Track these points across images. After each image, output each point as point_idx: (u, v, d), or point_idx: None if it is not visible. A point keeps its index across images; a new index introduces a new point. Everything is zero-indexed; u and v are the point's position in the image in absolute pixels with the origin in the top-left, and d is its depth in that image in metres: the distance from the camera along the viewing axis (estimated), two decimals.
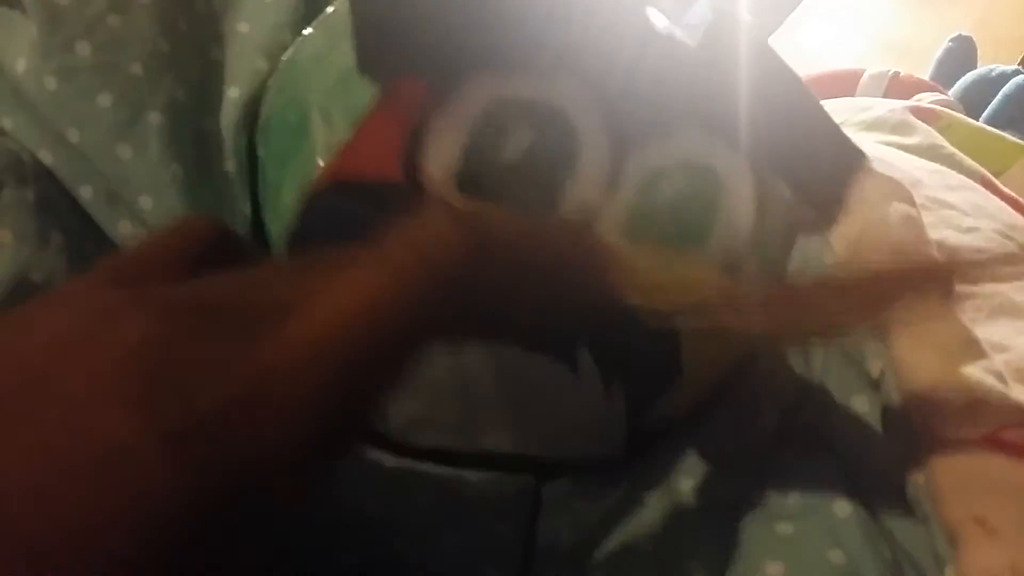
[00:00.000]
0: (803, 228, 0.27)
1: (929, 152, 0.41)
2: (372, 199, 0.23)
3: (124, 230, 0.26)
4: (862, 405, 0.23)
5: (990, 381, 0.20)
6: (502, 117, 0.23)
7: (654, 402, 0.25)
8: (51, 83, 0.26)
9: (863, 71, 0.77)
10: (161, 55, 0.27)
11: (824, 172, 0.26)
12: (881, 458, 0.22)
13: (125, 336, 0.11)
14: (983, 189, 0.37)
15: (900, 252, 0.25)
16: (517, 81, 0.23)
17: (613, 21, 0.23)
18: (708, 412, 0.26)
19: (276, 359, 0.12)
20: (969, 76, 0.82)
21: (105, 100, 0.26)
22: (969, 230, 0.31)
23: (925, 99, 0.65)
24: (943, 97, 0.70)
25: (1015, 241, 0.31)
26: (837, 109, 0.47)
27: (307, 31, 0.28)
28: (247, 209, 0.27)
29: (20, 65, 0.26)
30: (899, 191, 0.27)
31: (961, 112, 0.61)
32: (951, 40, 0.90)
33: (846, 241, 0.26)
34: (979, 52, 0.90)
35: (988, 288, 0.27)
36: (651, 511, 0.25)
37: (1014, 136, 0.59)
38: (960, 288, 0.25)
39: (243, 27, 0.30)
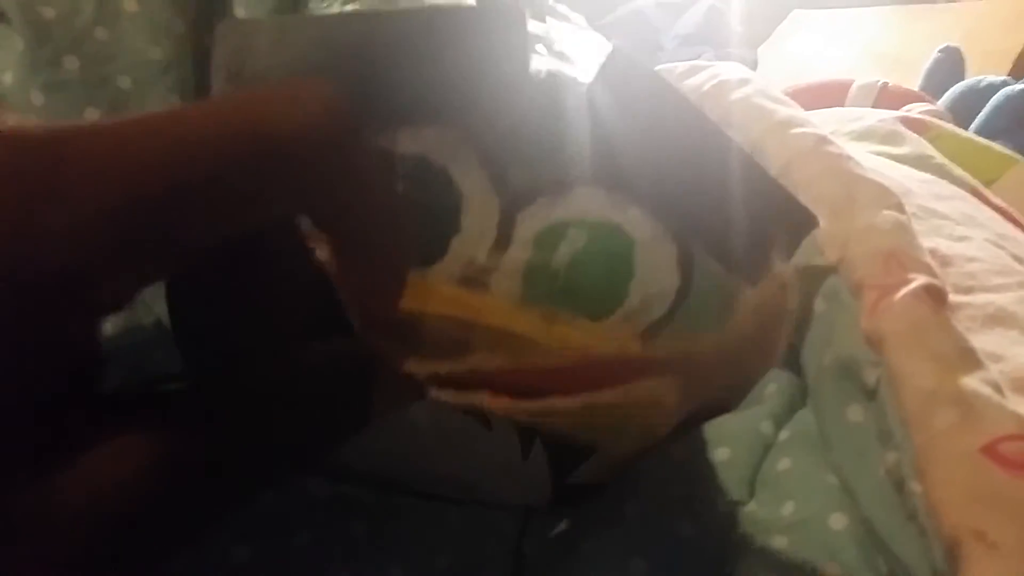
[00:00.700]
0: (747, 286, 0.24)
1: (919, 162, 0.41)
2: None
3: None
4: (857, 415, 0.23)
5: (987, 391, 0.20)
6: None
7: (578, 465, 0.24)
8: (38, 98, 0.26)
9: (853, 81, 0.78)
10: (151, 64, 0.27)
11: (749, 233, 0.23)
12: (877, 469, 0.22)
13: None
14: (973, 199, 0.38)
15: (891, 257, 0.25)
16: (391, 135, 0.21)
17: (493, 71, 0.21)
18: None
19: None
20: (958, 87, 0.83)
21: (92, 115, 0.26)
22: (961, 239, 0.31)
23: (915, 109, 0.65)
24: (932, 108, 0.71)
25: (1006, 250, 0.31)
26: (827, 119, 0.48)
27: None
28: None
29: (7, 79, 0.26)
30: (889, 198, 0.26)
31: (950, 122, 0.62)
32: (940, 51, 0.91)
33: (836, 245, 0.26)
34: (968, 63, 0.91)
35: (981, 298, 0.27)
36: (638, 513, 0.24)
37: (1003, 146, 0.60)
38: (954, 298, 0.25)
39: (240, 12, 0.30)
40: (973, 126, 0.75)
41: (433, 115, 0.21)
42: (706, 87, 0.36)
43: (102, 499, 0.12)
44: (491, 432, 0.23)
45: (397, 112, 0.21)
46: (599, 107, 0.22)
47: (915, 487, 0.20)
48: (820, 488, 0.23)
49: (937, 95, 0.82)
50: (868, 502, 0.22)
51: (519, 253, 0.22)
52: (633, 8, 1.21)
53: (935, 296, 0.23)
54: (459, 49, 0.21)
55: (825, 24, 1.22)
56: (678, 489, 0.25)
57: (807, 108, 0.34)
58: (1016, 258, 0.31)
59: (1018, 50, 0.96)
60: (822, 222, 0.26)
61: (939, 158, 0.42)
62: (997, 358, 0.23)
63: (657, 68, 0.40)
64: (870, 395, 0.23)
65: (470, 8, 0.23)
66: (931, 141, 0.45)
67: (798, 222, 0.24)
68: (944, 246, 0.29)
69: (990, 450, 0.19)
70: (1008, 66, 0.94)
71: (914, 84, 0.87)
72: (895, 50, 1.08)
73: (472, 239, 0.21)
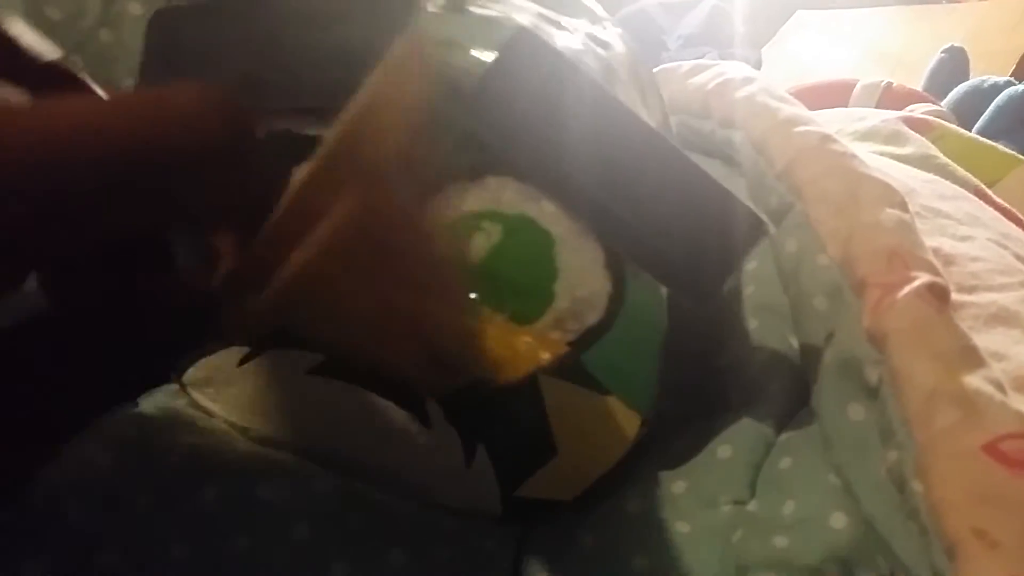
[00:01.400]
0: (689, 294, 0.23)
1: (922, 162, 0.41)
2: None
3: None
4: (858, 414, 0.23)
5: (989, 390, 0.20)
6: (284, 147, 0.21)
7: (524, 478, 0.24)
8: None
9: (856, 82, 0.78)
10: None
11: (683, 239, 0.21)
12: (878, 468, 0.22)
13: None
14: (976, 199, 0.37)
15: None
16: (298, 118, 0.21)
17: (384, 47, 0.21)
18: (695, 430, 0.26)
19: None
20: (962, 87, 0.82)
21: None
22: (964, 238, 0.31)
23: (918, 110, 0.65)
24: (936, 108, 0.71)
25: (1009, 250, 0.31)
26: (831, 119, 0.47)
27: None
28: None
29: None
30: (893, 196, 0.26)
31: (954, 123, 0.62)
32: (943, 51, 0.90)
33: (839, 243, 0.26)
34: (971, 63, 0.91)
35: (984, 297, 0.27)
36: (640, 511, 0.24)
37: (1006, 147, 0.60)
38: (957, 297, 0.25)
39: None
40: (976, 126, 0.75)
41: (336, 96, 0.21)
42: (710, 85, 0.36)
43: None
44: (430, 431, 0.22)
45: (301, 93, 0.21)
46: (502, 90, 0.21)
47: (916, 486, 0.20)
48: (821, 487, 0.23)
49: (941, 95, 0.82)
50: (869, 501, 0.22)
51: None
52: (637, 8, 1.21)
53: (938, 295, 0.23)
54: (358, 23, 0.20)
55: (829, 24, 1.21)
56: (679, 487, 0.25)
57: (811, 108, 0.34)
58: (1019, 258, 0.31)
59: (1022, 50, 0.95)
60: (826, 219, 0.26)
61: (942, 158, 0.42)
62: (1000, 357, 0.23)
63: (659, 68, 0.39)
64: (872, 393, 0.23)
65: None
66: (934, 141, 0.45)
67: (745, 227, 0.22)
68: (947, 245, 0.29)
69: (992, 448, 0.19)
70: (1011, 66, 0.94)
71: (917, 84, 0.87)
72: (899, 50, 1.07)
73: None
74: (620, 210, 0.21)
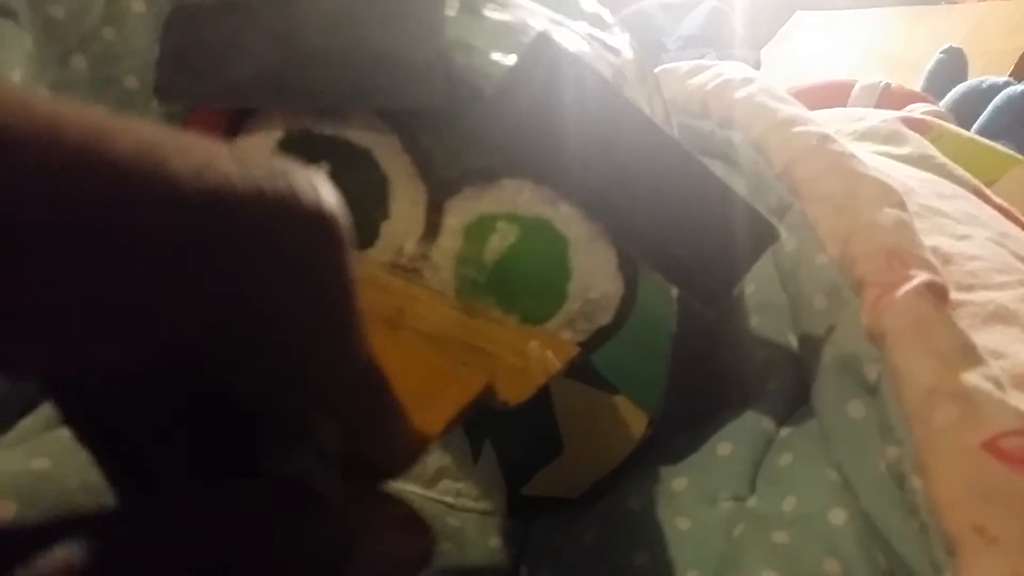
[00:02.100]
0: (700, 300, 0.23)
1: (921, 162, 0.41)
2: None
3: None
4: (858, 411, 0.23)
5: (988, 387, 0.20)
6: (302, 147, 0.21)
7: (530, 475, 0.24)
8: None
9: (855, 82, 0.78)
10: None
11: (695, 242, 0.21)
12: (877, 465, 0.22)
13: None
14: (975, 198, 0.38)
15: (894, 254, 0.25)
16: (317, 118, 0.21)
17: (416, 63, 0.21)
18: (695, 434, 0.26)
19: None
20: (960, 87, 0.83)
21: None
22: (962, 237, 0.31)
23: (917, 110, 0.66)
24: (934, 108, 0.71)
25: (1007, 248, 0.31)
26: (830, 119, 0.48)
27: None
28: None
29: (15, 77, 0.26)
30: (891, 196, 0.27)
31: (952, 123, 0.62)
32: (942, 52, 0.91)
33: (838, 242, 0.26)
34: (970, 64, 0.91)
35: (983, 296, 0.27)
36: (641, 507, 0.24)
37: (1005, 147, 0.60)
38: (955, 296, 0.25)
39: None
40: (975, 127, 0.75)
41: (355, 96, 0.21)
42: (710, 86, 0.36)
43: None
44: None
45: (320, 93, 0.21)
46: (521, 94, 0.21)
47: (916, 482, 0.20)
48: (821, 483, 0.23)
49: (939, 96, 0.82)
50: (868, 497, 0.22)
51: (449, 243, 0.21)
52: (637, 9, 1.21)
53: (937, 293, 0.23)
54: (378, 25, 0.20)
55: (828, 25, 1.22)
56: (679, 484, 0.25)
57: (810, 109, 0.34)
58: (1017, 256, 0.31)
59: (1020, 51, 0.96)
60: (825, 219, 0.26)
61: (941, 158, 0.42)
62: (998, 355, 0.23)
63: (658, 68, 0.40)
64: (871, 391, 0.23)
65: None
66: (933, 141, 0.45)
67: (757, 232, 0.22)
68: (946, 244, 0.29)
69: (991, 445, 0.19)
70: (1010, 67, 0.94)
71: (916, 85, 0.88)
72: (898, 51, 1.08)
73: (401, 225, 0.21)
74: (635, 213, 0.21)
